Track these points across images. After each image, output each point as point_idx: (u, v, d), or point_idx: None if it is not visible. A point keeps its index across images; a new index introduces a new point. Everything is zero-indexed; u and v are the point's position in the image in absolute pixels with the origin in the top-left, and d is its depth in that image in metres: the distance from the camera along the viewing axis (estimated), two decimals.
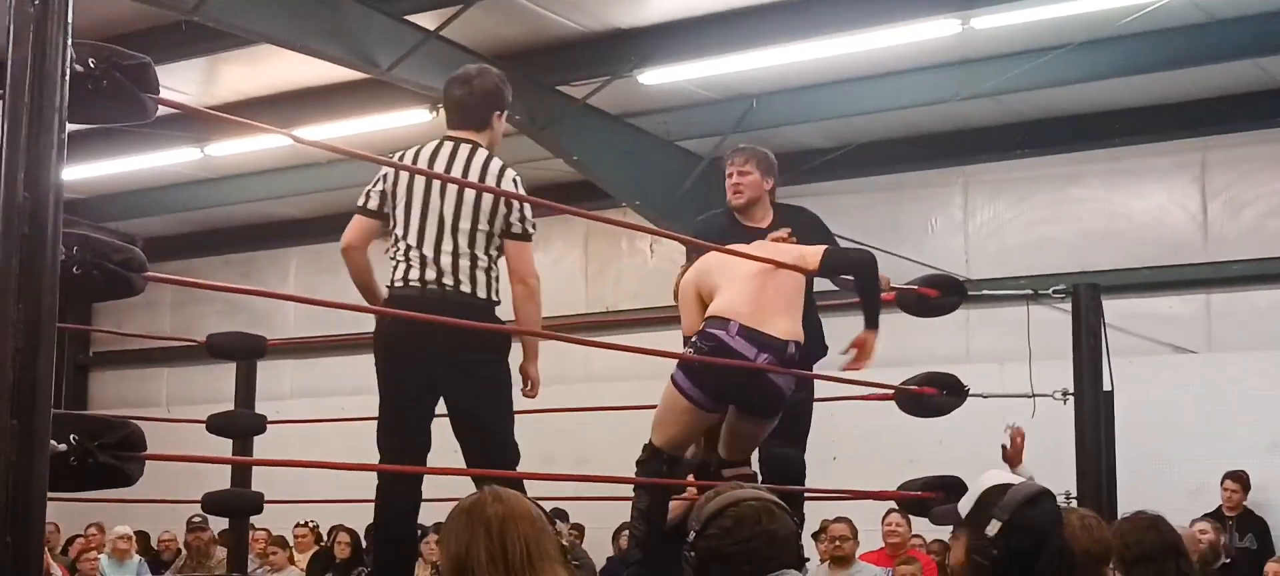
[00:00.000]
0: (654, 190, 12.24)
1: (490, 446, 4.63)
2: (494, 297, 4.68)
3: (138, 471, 2.78)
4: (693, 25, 10.43)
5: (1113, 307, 5.76)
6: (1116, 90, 11.13)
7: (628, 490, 5.30)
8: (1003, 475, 3.02)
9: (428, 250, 4.61)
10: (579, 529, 11.23)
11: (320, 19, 9.72)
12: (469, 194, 4.62)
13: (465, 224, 4.61)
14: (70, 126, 2.61)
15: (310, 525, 11.67)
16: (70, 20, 2.57)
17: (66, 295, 2.62)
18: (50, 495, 2.49)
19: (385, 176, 4.76)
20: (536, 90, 11.19)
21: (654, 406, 5.47)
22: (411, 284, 4.63)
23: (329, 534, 11.54)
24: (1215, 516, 9.56)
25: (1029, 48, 10.30)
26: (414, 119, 11.48)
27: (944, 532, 5.76)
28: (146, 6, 9.34)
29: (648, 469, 5.03)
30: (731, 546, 2.81)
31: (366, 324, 5.06)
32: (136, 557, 11.58)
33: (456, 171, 4.66)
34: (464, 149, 4.73)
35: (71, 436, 2.59)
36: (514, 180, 4.71)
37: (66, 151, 2.57)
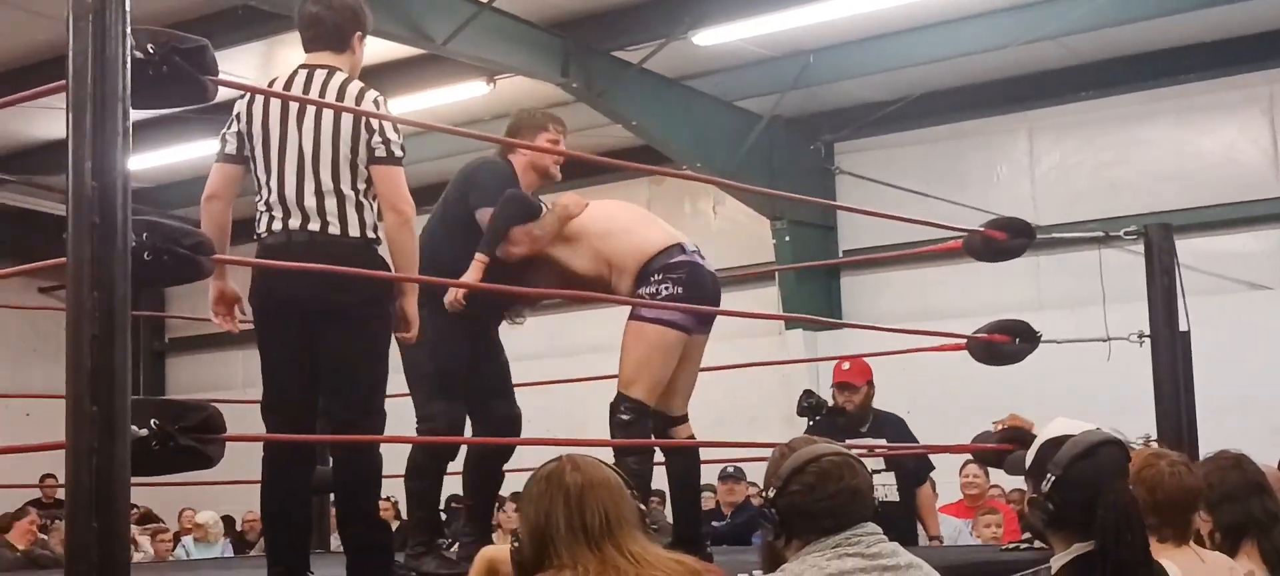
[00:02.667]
0: (715, 151, 12.20)
1: (351, 407, 4.18)
2: (370, 235, 4.19)
3: (218, 453, 2.80)
4: None
5: (1185, 247, 5.68)
6: (1180, 26, 10.95)
7: (703, 451, 5.29)
8: (1069, 424, 2.97)
9: (290, 192, 4.14)
10: (660, 494, 11.24)
11: None
12: (327, 124, 4.14)
13: (326, 157, 4.13)
14: (134, 114, 2.62)
15: (390, 500, 11.80)
16: (128, 7, 2.58)
17: (139, 282, 2.64)
18: (134, 480, 2.51)
19: (239, 116, 4.28)
20: (592, 56, 11.18)
21: (720, 367, 5.46)
22: (275, 232, 4.17)
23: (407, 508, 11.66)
24: None
25: None
26: (472, 92, 11.52)
27: (1023, 481, 5.73)
28: None
29: (637, 429, 4.80)
30: (816, 502, 2.79)
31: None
32: (222, 539, 11.79)
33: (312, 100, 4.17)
34: (319, 75, 4.26)
35: (152, 421, 2.62)
36: (375, 101, 4.21)
37: (132, 139, 2.59)
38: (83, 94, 2.53)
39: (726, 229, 13.52)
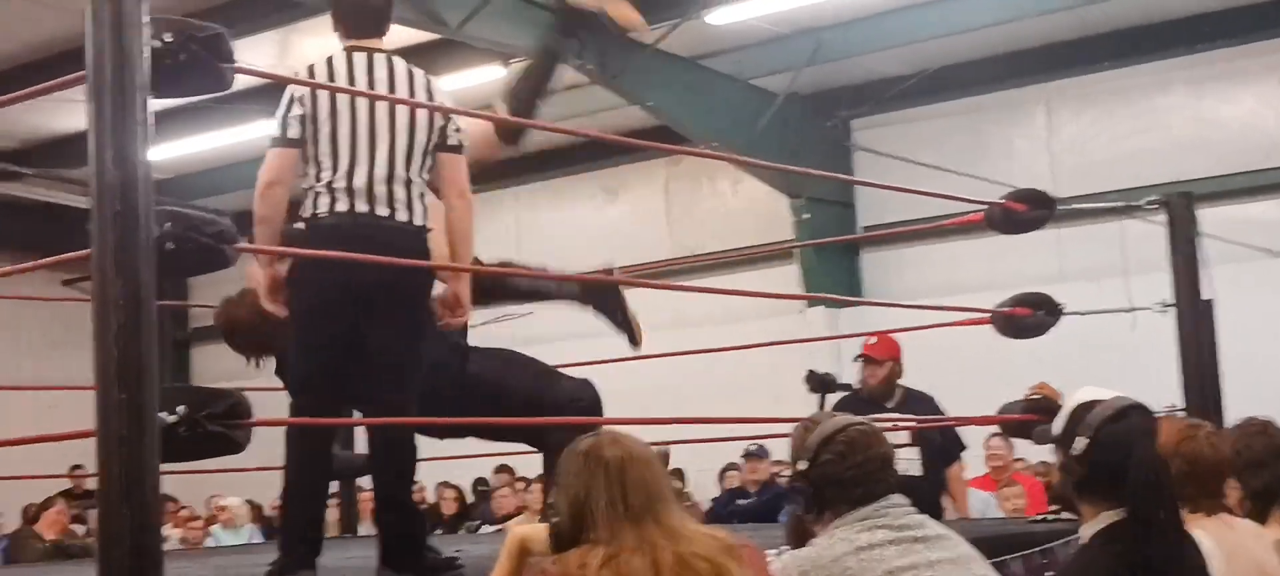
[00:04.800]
0: (732, 130, 12.18)
1: (402, 392, 4.18)
2: (428, 223, 4.22)
3: (246, 438, 2.81)
4: None
5: (1206, 216, 5.65)
6: None
7: (727, 430, 5.27)
8: (1096, 392, 2.98)
9: (360, 177, 4.10)
10: (678, 473, 11.26)
11: None
12: (402, 108, 4.16)
13: (402, 142, 4.14)
14: (154, 104, 2.63)
15: (419, 486, 11.85)
16: None
17: (162, 271, 2.64)
18: (163, 467, 2.52)
19: (300, 99, 4.20)
20: (606, 38, 11.14)
21: (743, 347, 5.42)
22: (339, 213, 4.10)
23: (435, 490, 11.70)
24: None
25: None
26: (486, 76, 11.50)
27: (1048, 453, 5.72)
28: None
29: None
30: (846, 470, 2.84)
31: None
32: (249, 525, 11.87)
33: (382, 83, 4.22)
34: (381, 59, 4.28)
35: (179, 407, 2.63)
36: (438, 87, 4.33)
37: (152, 128, 2.59)
38: (102, 84, 2.53)
39: (745, 207, 13.50)
